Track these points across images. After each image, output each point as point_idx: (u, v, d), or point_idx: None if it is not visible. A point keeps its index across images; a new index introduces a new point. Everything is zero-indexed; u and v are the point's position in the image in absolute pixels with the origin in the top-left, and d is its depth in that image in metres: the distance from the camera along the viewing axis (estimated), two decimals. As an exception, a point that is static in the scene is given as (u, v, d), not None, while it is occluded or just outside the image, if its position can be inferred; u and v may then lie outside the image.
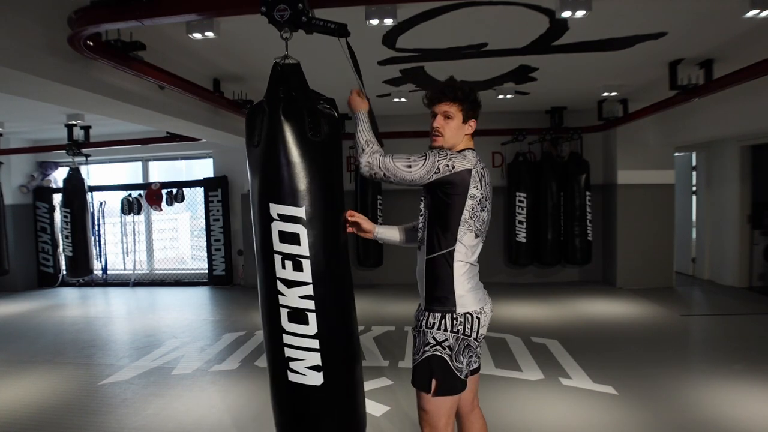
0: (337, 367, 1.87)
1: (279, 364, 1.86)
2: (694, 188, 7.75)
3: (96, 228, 8.16)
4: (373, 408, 3.28)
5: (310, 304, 1.82)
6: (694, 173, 7.75)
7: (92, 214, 7.96)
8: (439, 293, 1.88)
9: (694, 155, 7.75)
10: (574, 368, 3.91)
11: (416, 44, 4.01)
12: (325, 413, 1.87)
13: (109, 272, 8.42)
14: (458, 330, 1.85)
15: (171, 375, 4.03)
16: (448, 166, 1.82)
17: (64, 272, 7.94)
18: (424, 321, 1.90)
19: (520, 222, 6.92)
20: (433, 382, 1.85)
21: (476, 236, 1.92)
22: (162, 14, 2.54)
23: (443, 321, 1.86)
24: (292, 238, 1.82)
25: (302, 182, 1.83)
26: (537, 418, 3.11)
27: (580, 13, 3.02)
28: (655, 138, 6.77)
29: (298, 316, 1.82)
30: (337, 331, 1.89)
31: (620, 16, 3.48)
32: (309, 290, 1.82)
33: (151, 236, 8.59)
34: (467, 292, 1.89)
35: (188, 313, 6.24)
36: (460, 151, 1.93)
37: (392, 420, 3.12)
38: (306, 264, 1.81)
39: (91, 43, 2.83)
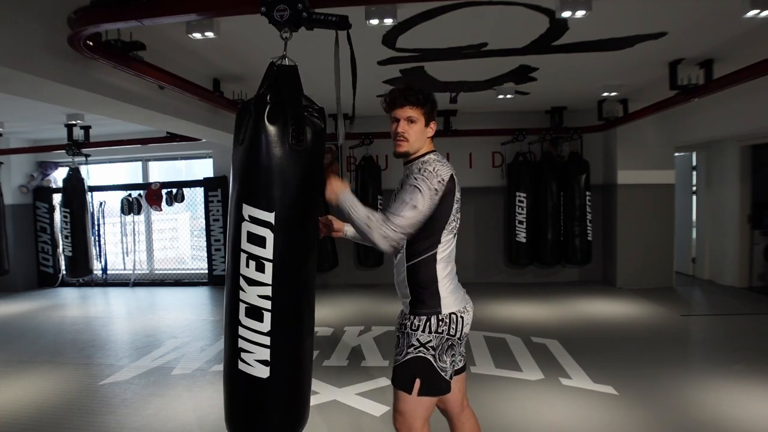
0: (284, 364, 1.93)
1: (232, 353, 1.95)
2: (694, 188, 7.75)
3: (96, 228, 8.16)
4: (373, 408, 3.28)
5: (267, 304, 1.88)
6: (694, 173, 7.75)
7: (92, 214, 7.95)
8: (424, 296, 1.90)
9: (694, 155, 7.75)
10: (574, 368, 3.91)
11: (416, 44, 4.01)
12: (268, 403, 1.95)
13: (109, 272, 8.42)
14: (443, 331, 1.87)
15: (171, 375, 4.03)
16: (440, 181, 1.83)
17: (64, 272, 7.94)
18: (409, 324, 1.91)
19: (520, 222, 6.91)
20: (417, 381, 1.86)
21: (454, 235, 1.96)
22: (162, 14, 2.54)
23: (428, 323, 1.88)
24: (259, 241, 1.87)
25: (277, 189, 1.86)
26: (537, 418, 3.11)
27: (580, 13, 3.02)
28: (655, 138, 6.77)
29: (254, 312, 1.89)
30: (289, 333, 1.95)
31: (620, 16, 3.48)
32: (267, 291, 1.87)
33: (151, 236, 8.59)
34: (450, 293, 1.91)
35: (188, 313, 6.24)
36: (424, 157, 1.93)
37: (392, 420, 3.12)
38: (268, 267, 1.87)
39: (91, 43, 2.83)
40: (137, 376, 4.02)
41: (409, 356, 1.88)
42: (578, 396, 3.42)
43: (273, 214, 1.85)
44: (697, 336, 4.99)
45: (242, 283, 1.90)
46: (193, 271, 8.55)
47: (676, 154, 7.24)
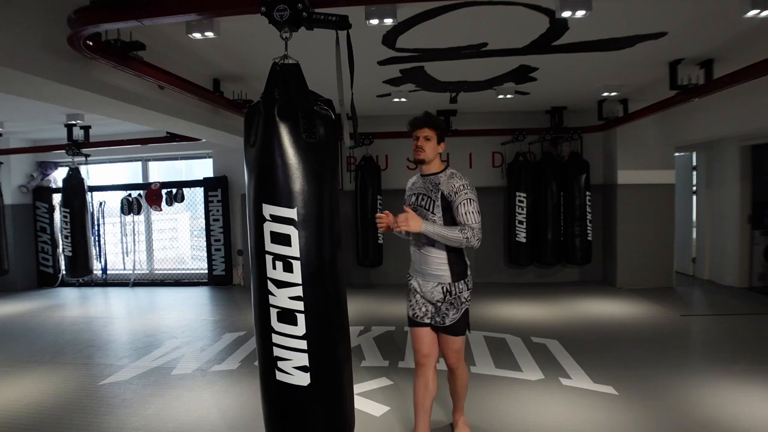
0: (325, 368, 1.88)
1: (268, 363, 1.88)
2: (695, 188, 7.75)
3: (96, 228, 8.16)
4: (373, 408, 3.28)
5: (299, 305, 1.83)
6: (695, 173, 7.75)
7: (92, 214, 7.96)
8: (459, 269, 2.61)
9: (694, 155, 7.75)
10: (574, 368, 3.91)
11: (416, 44, 4.01)
12: (311, 413, 1.88)
13: (108, 272, 8.42)
14: (470, 287, 2.67)
15: (171, 375, 4.03)
16: (474, 191, 2.58)
17: (64, 272, 7.94)
18: (455, 290, 2.60)
19: (520, 222, 6.92)
20: (469, 325, 2.68)
21: None
22: (162, 14, 2.54)
23: (465, 284, 2.63)
24: (284, 239, 1.83)
25: (295, 183, 1.83)
26: (537, 418, 3.11)
27: (580, 13, 3.02)
28: (655, 138, 6.77)
29: (287, 316, 1.83)
30: (326, 333, 1.90)
31: (620, 16, 3.48)
32: (299, 291, 1.83)
33: (150, 236, 8.59)
34: (468, 264, 2.68)
35: (188, 313, 6.24)
36: (447, 171, 2.63)
37: (392, 420, 3.12)
38: (296, 265, 1.82)
39: (90, 43, 2.83)
40: (137, 376, 4.02)
41: (463, 308, 2.62)
42: (578, 396, 3.42)
43: (295, 210, 1.82)
44: (697, 336, 4.98)
45: (270, 286, 1.84)
46: (193, 271, 8.55)
47: (676, 154, 7.24)
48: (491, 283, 7.42)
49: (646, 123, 6.51)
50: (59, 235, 8.00)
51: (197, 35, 3.31)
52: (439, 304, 2.63)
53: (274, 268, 1.83)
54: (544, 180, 6.87)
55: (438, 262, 2.60)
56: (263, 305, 1.87)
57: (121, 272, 8.46)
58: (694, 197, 7.75)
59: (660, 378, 3.67)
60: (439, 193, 2.56)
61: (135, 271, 8.40)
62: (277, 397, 1.89)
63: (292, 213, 1.82)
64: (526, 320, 5.39)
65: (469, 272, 2.68)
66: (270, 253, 1.84)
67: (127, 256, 8.39)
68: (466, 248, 2.55)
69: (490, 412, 3.20)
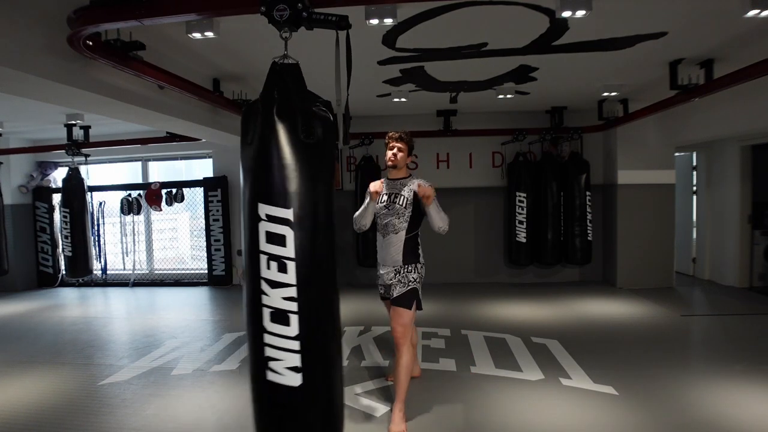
0: (317, 369, 1.88)
1: (259, 363, 1.89)
2: (695, 188, 7.75)
3: (95, 228, 8.15)
4: (373, 408, 3.28)
5: (293, 306, 1.82)
6: (695, 173, 7.75)
7: (92, 214, 7.96)
8: (412, 253, 3.11)
9: (694, 155, 7.75)
10: (574, 368, 3.91)
11: (416, 44, 4.01)
12: (302, 413, 1.88)
13: (108, 272, 8.41)
14: (421, 272, 3.15)
15: (171, 375, 4.03)
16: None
17: (64, 272, 7.94)
18: (404, 270, 3.08)
19: (520, 222, 6.92)
20: (414, 303, 3.06)
21: None
22: (162, 14, 2.54)
23: (415, 267, 3.10)
24: (279, 240, 1.82)
25: (293, 184, 1.83)
26: (537, 418, 3.11)
27: (580, 13, 3.02)
28: (655, 138, 6.77)
29: (280, 317, 1.83)
30: (319, 334, 1.90)
31: (620, 16, 3.47)
32: (293, 292, 1.82)
33: (150, 236, 8.58)
34: (422, 252, 3.19)
35: (188, 313, 6.23)
36: (414, 177, 3.16)
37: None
38: (291, 266, 1.82)
39: (90, 43, 2.83)
40: (137, 376, 4.02)
41: (409, 287, 3.05)
42: (578, 396, 3.42)
43: (291, 211, 1.81)
44: (697, 336, 4.98)
45: (264, 286, 1.83)
46: (192, 271, 8.54)
47: (676, 154, 7.24)
48: (491, 283, 7.42)
49: (646, 123, 6.51)
50: (59, 235, 7.99)
51: (197, 35, 3.30)
52: (390, 282, 3.13)
53: (269, 268, 1.83)
54: (544, 180, 6.87)
55: (396, 248, 3.11)
56: (256, 305, 1.87)
57: (121, 272, 8.45)
58: (694, 197, 7.75)
59: (660, 378, 3.67)
60: (412, 192, 3.08)
61: (135, 271, 8.39)
62: (267, 397, 1.91)
63: (288, 213, 1.82)
64: (526, 320, 5.39)
65: (421, 261, 3.16)
66: (265, 253, 1.84)
67: (127, 256, 8.39)
68: (441, 230, 3.02)
69: (490, 412, 3.20)
